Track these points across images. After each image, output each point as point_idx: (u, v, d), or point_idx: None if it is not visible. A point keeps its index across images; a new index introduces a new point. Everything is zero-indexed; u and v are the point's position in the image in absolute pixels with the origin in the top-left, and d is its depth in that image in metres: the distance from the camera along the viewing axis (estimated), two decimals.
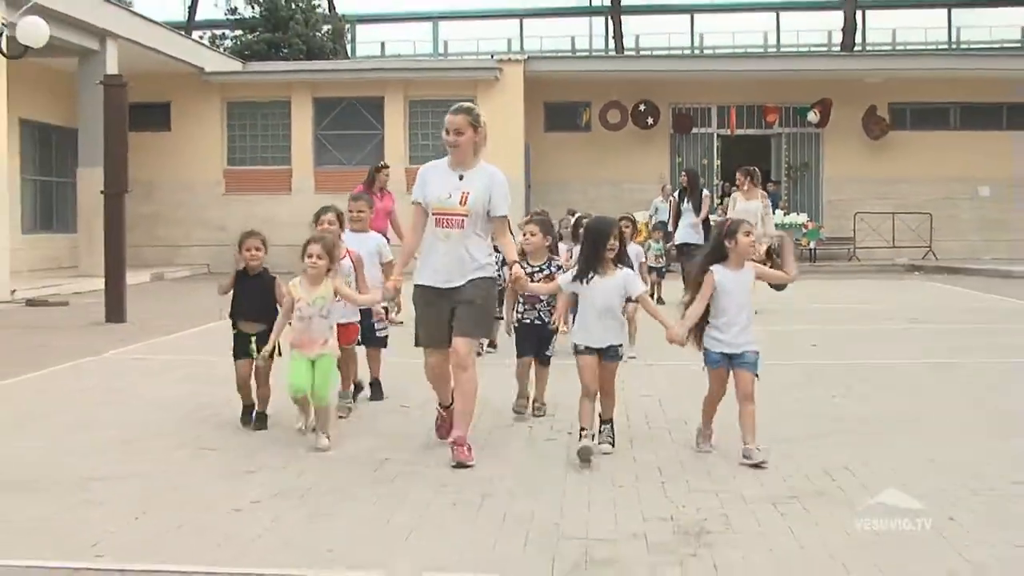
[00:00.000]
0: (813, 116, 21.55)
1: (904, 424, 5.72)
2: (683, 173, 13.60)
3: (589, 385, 4.91)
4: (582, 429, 4.87)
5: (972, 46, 38.56)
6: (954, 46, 39.57)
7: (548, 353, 5.97)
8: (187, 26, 31.03)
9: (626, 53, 34.35)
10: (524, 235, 6.07)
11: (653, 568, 3.43)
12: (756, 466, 4.67)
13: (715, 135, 22.29)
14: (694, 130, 22.16)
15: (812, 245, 20.77)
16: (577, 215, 9.44)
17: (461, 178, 4.94)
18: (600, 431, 5.05)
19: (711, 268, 4.91)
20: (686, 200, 12.73)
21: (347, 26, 33.66)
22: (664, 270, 13.04)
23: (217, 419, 5.76)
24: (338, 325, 5.50)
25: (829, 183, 22.03)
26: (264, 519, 3.97)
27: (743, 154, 18.88)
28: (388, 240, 9.35)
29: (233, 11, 30.66)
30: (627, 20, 35.79)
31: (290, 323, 5.27)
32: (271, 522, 3.94)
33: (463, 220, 4.89)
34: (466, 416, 4.91)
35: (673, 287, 12.75)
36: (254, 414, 5.61)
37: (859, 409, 6.12)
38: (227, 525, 3.90)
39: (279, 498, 4.26)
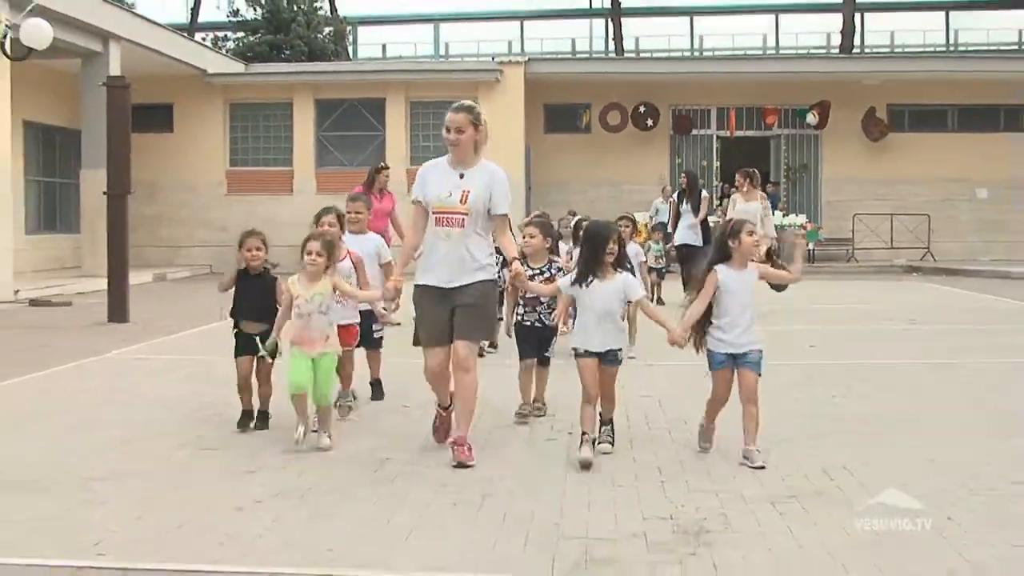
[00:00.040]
0: (812, 118, 21.58)
1: (904, 424, 5.73)
2: (682, 174, 13.64)
3: (590, 389, 4.88)
4: (583, 434, 4.85)
5: (970, 49, 38.61)
6: (952, 48, 39.61)
7: (548, 354, 5.99)
8: (189, 28, 31.06)
9: (626, 55, 34.38)
10: (524, 237, 6.06)
11: (653, 567, 3.45)
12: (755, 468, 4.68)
13: (714, 137, 22.31)
14: (694, 132, 22.18)
15: (811, 246, 20.78)
16: (577, 218, 9.45)
17: (462, 176, 4.92)
18: (600, 431, 5.06)
19: (714, 268, 4.90)
20: (685, 201, 12.77)
21: (348, 28, 33.68)
22: (664, 271, 13.08)
23: (219, 419, 5.77)
24: (338, 327, 5.49)
25: (828, 184, 22.06)
26: (265, 519, 3.99)
27: (742, 155, 18.90)
28: (389, 240, 9.41)
29: (235, 13, 30.69)
30: (627, 22, 35.80)
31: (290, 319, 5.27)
32: (272, 522, 3.95)
33: (463, 219, 4.87)
34: (467, 416, 4.92)
35: (673, 288, 12.79)
36: (256, 413, 5.61)
37: (859, 409, 6.14)
38: (229, 524, 3.92)
39: (280, 498, 4.28)
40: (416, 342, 5.21)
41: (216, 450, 5.15)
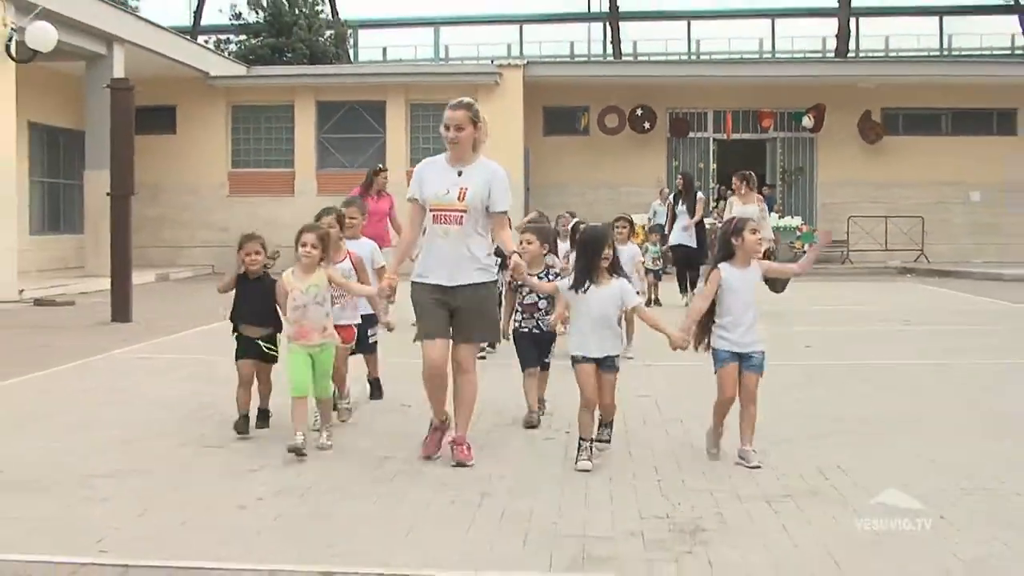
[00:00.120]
0: (807, 121, 21.64)
1: (902, 424, 5.76)
2: (679, 176, 13.72)
3: (588, 395, 4.80)
4: (581, 440, 4.82)
5: (963, 53, 38.68)
6: (946, 53, 39.66)
7: (547, 360, 6.00)
8: (192, 31, 31.05)
9: (624, 59, 34.42)
10: (521, 243, 5.92)
11: (650, 565, 3.48)
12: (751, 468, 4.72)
13: (711, 139, 22.35)
14: (691, 134, 22.22)
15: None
16: (575, 221, 9.45)
17: (460, 174, 4.86)
18: (598, 430, 5.04)
19: (718, 266, 4.90)
20: (681, 202, 12.86)
21: (349, 31, 33.70)
22: (661, 272, 13.14)
23: (220, 418, 5.79)
24: (337, 327, 5.44)
25: (823, 187, 22.11)
26: (267, 516, 4.02)
27: (739, 158, 18.92)
28: (388, 241, 9.47)
29: (237, 16, 30.68)
30: (625, 26, 35.87)
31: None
32: (273, 519, 3.98)
33: (462, 216, 4.81)
34: (466, 416, 4.92)
35: (669, 289, 12.85)
36: (257, 411, 5.62)
37: (858, 409, 6.17)
38: (230, 522, 3.95)
39: (281, 496, 4.31)
40: (418, 337, 5.18)
41: (217, 449, 5.18)
